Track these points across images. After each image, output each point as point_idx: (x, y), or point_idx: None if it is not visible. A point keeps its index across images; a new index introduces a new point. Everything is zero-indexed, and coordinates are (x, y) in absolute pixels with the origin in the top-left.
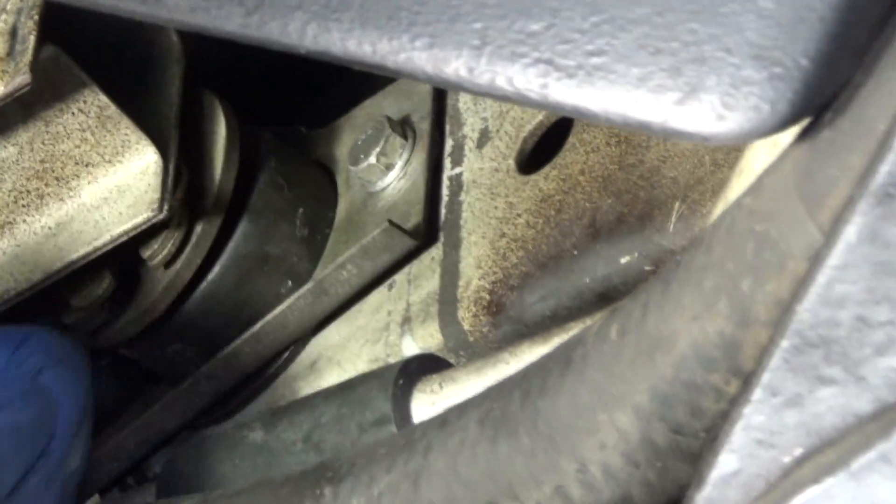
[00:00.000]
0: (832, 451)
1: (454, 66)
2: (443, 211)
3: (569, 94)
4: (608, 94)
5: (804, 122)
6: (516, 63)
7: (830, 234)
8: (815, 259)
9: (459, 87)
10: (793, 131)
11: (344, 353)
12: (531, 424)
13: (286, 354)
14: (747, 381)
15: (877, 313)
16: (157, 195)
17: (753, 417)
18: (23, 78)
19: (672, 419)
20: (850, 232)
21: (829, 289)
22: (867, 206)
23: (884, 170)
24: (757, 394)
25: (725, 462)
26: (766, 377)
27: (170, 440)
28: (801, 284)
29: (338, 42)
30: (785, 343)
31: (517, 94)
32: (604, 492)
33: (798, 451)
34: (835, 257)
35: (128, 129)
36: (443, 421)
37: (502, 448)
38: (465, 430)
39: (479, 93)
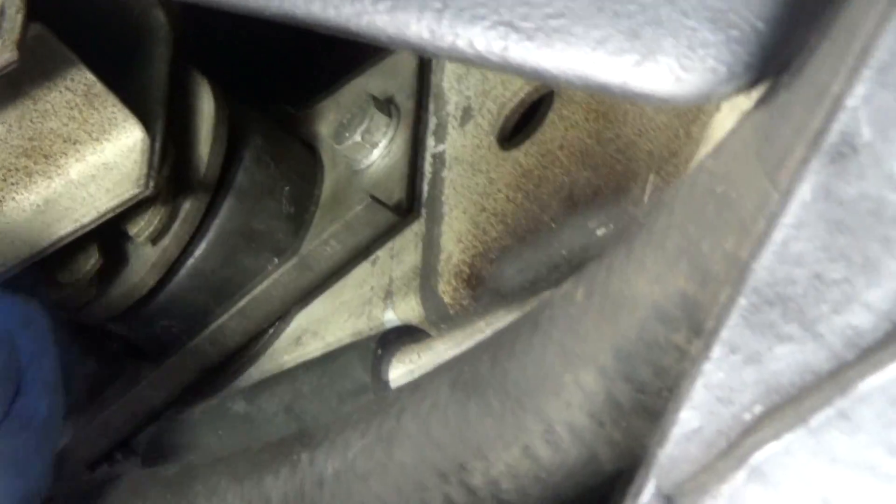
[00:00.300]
0: (791, 407)
1: (415, 28)
2: (426, 187)
3: (528, 55)
4: (567, 56)
5: (763, 86)
6: (477, 25)
7: (786, 193)
8: (772, 218)
9: (422, 51)
10: (753, 96)
11: (328, 328)
12: (500, 386)
13: (271, 330)
14: (707, 338)
15: (832, 271)
16: (143, 172)
17: (713, 374)
18: (10, 55)
19: (635, 378)
20: (804, 190)
21: (785, 247)
22: (820, 165)
23: (836, 128)
24: (716, 351)
25: (687, 419)
26: (724, 334)
27: (157, 417)
28: (758, 243)
29: (301, 5)
30: (743, 301)
31: (478, 56)
32: (570, 451)
33: (758, 408)
34: (790, 215)
35: (114, 107)
36: (415, 385)
37: (472, 410)
38: (436, 394)
39: (441, 55)
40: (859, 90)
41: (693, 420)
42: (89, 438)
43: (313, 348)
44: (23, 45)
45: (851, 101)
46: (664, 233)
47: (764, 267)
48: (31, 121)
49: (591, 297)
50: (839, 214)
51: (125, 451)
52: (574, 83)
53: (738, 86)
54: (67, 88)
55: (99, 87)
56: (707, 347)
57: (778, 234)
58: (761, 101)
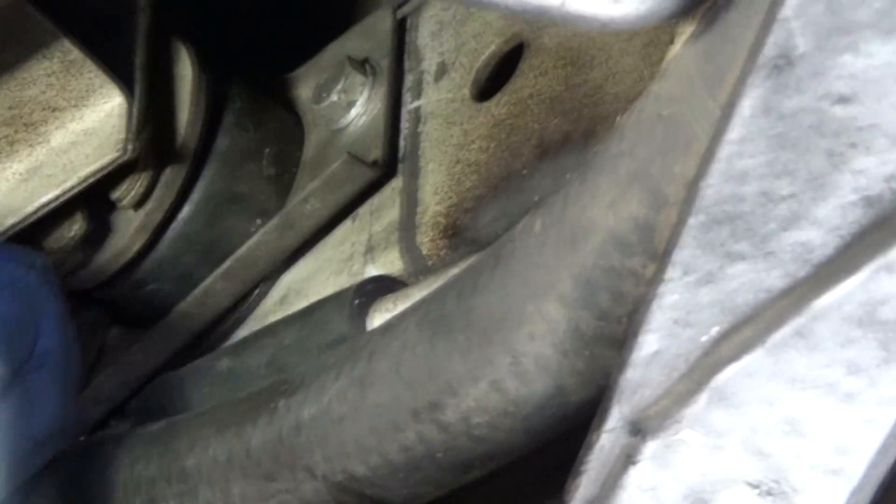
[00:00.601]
0: (748, 328)
1: None
2: (403, 143)
3: None
4: None
5: (703, 8)
6: None
7: (727, 109)
8: (716, 136)
9: None
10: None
11: (311, 286)
12: (465, 322)
13: (257, 291)
14: (661, 261)
15: (778, 187)
16: (123, 136)
17: (668, 296)
18: None
19: (595, 306)
20: (745, 106)
21: (730, 164)
22: (758, 79)
23: (771, 41)
24: (670, 272)
25: (645, 343)
26: (677, 255)
27: (149, 381)
28: (704, 162)
29: None
30: (692, 220)
31: None
32: (537, 383)
33: (715, 330)
34: (732, 131)
35: (91, 73)
36: (386, 327)
37: (440, 347)
38: (405, 333)
39: None
40: (792, 1)
41: (652, 343)
42: (83, 407)
43: (298, 307)
44: None
45: (784, 13)
46: (616, 159)
47: (711, 185)
48: (10, 90)
49: (549, 227)
50: (781, 129)
51: (118, 417)
52: (514, 9)
53: (676, 8)
54: (45, 57)
55: (76, 53)
56: (661, 269)
57: (722, 152)
58: (702, 24)
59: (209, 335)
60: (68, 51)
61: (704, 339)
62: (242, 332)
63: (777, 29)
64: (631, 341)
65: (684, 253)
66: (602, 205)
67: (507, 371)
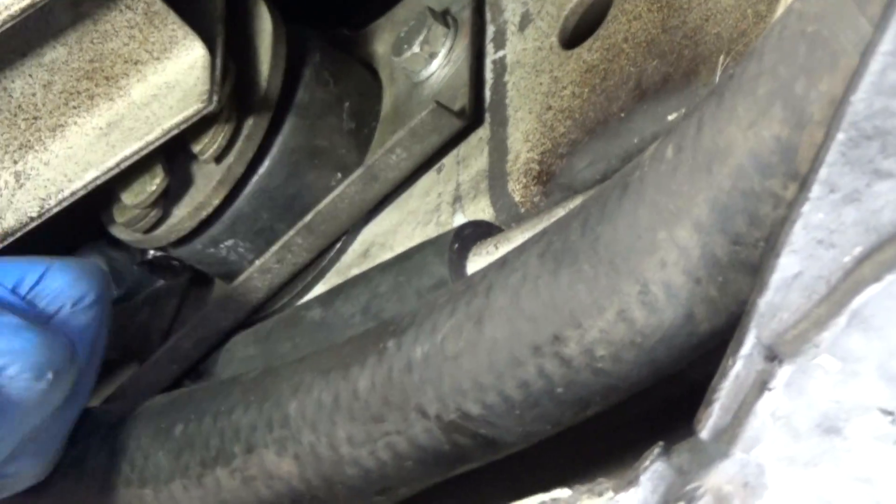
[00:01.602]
0: (891, 246)
1: None
2: (488, 93)
3: None
4: None
5: None
6: None
7: (880, 22)
8: (867, 50)
9: None
10: None
11: (396, 238)
12: (591, 251)
13: (338, 245)
14: (805, 181)
15: None
16: (205, 88)
17: (812, 216)
18: None
19: (731, 230)
20: None
21: (882, 77)
22: None
23: None
24: (815, 191)
25: (786, 264)
26: (823, 173)
27: (226, 339)
28: (854, 76)
29: None
30: (841, 136)
31: None
32: (666, 311)
33: (857, 250)
34: (887, 43)
35: (174, 25)
36: (503, 262)
37: (563, 278)
38: (525, 266)
39: None
40: None
41: (793, 265)
42: (160, 364)
43: (382, 259)
44: None
45: None
46: (755, 80)
47: (861, 100)
48: (92, 42)
49: (682, 152)
50: None
51: (194, 376)
52: None
53: None
54: (128, 7)
55: (159, 5)
56: (806, 188)
57: (875, 65)
58: None
59: (288, 289)
60: (151, 2)
61: (847, 259)
62: (323, 287)
63: None
64: (771, 263)
65: (831, 170)
66: (741, 126)
67: (635, 300)
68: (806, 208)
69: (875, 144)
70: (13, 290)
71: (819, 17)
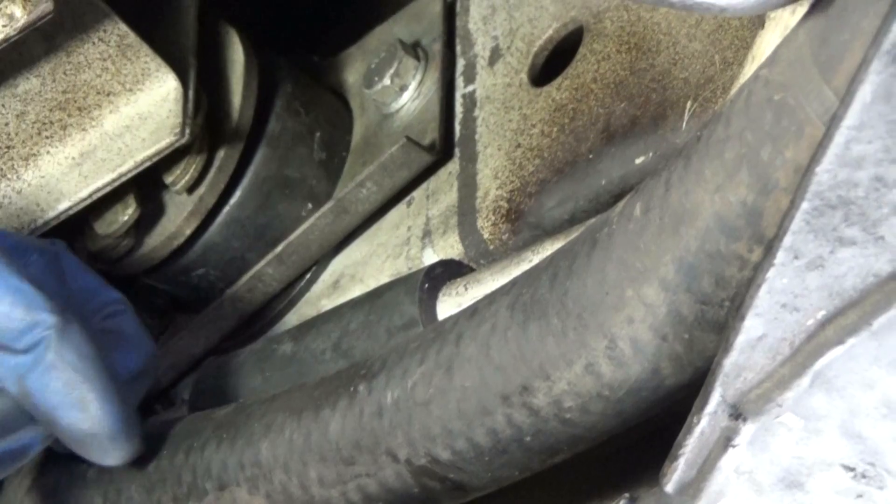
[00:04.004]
0: (854, 311)
1: None
2: (457, 127)
3: None
4: None
5: None
6: None
7: (846, 96)
8: (832, 121)
9: None
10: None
11: (366, 270)
12: (560, 305)
13: (308, 275)
14: (770, 246)
15: (894, 172)
16: (178, 120)
17: (777, 281)
18: (45, 6)
19: (698, 290)
20: (865, 91)
21: (846, 149)
22: (880, 66)
23: None
24: (780, 257)
25: (751, 326)
26: (788, 240)
27: (197, 365)
28: (820, 147)
29: None
30: (805, 205)
31: None
32: (633, 366)
33: (821, 314)
34: (851, 117)
35: (147, 57)
36: (473, 310)
37: (533, 330)
38: (495, 317)
39: None
40: None
41: (757, 327)
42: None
43: (352, 291)
44: None
45: None
46: (722, 144)
47: (826, 170)
48: (65, 73)
49: (650, 211)
50: None
51: (164, 401)
52: None
53: None
54: (101, 40)
55: (132, 37)
56: (771, 254)
57: (839, 137)
58: (814, 9)
59: (259, 318)
60: (124, 35)
61: (810, 322)
62: (293, 317)
63: None
64: (736, 325)
65: (795, 238)
66: (708, 189)
67: (602, 354)
68: (771, 273)
69: (838, 213)
70: None
71: (785, 85)
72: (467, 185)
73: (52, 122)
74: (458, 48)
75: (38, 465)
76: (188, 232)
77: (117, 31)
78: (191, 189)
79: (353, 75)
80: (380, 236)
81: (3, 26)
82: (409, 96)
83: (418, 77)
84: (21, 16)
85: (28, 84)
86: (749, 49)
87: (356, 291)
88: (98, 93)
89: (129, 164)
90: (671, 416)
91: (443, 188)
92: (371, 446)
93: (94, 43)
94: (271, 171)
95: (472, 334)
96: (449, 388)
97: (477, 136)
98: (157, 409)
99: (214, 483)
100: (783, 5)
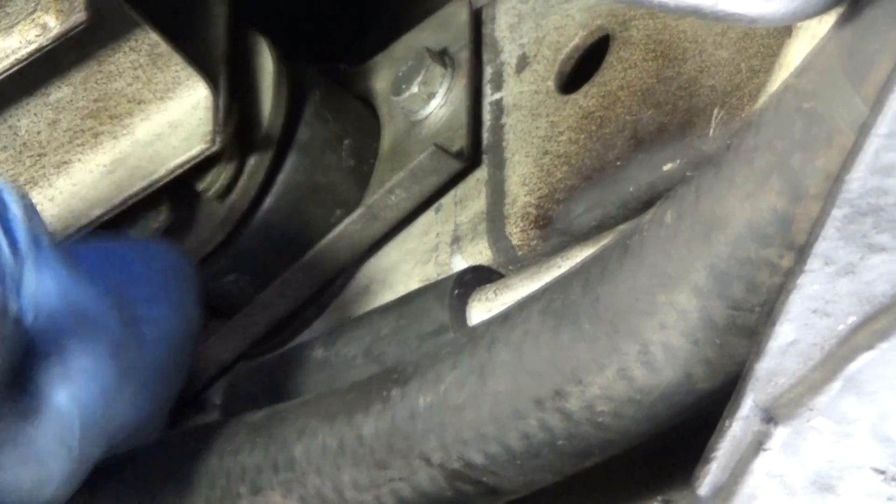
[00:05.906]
0: (884, 316)
1: None
2: (485, 134)
3: None
4: None
5: (845, 4)
6: None
7: (876, 104)
8: (862, 130)
9: None
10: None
11: (395, 276)
12: (592, 311)
13: (338, 281)
14: (801, 252)
15: None
16: (209, 128)
17: (809, 287)
18: (78, 16)
19: (729, 296)
20: (895, 100)
21: (876, 157)
22: None
23: None
24: (812, 263)
25: (783, 332)
26: (819, 247)
27: (227, 371)
28: (850, 155)
29: None
30: (836, 212)
31: None
32: (664, 371)
33: (852, 319)
34: (881, 126)
35: (178, 66)
36: (505, 316)
37: (565, 336)
38: (527, 322)
39: None
40: None
41: (789, 333)
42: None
43: (381, 296)
44: (91, 5)
45: None
46: (752, 152)
47: (856, 178)
48: (97, 82)
49: (682, 218)
50: None
51: (196, 406)
52: (668, 8)
53: (823, 4)
54: (132, 49)
55: (163, 46)
56: (802, 260)
57: (870, 145)
58: (843, 19)
59: (289, 324)
60: (156, 44)
61: (841, 328)
62: (323, 323)
63: None
64: (767, 331)
65: (826, 244)
66: (739, 196)
67: (634, 359)
68: (802, 280)
69: (869, 220)
70: None
71: (815, 94)
72: (496, 192)
73: (84, 131)
74: (485, 56)
75: None
76: (219, 238)
77: (148, 41)
78: (222, 196)
79: (380, 83)
80: (409, 242)
81: (37, 36)
82: (436, 104)
83: (446, 85)
84: (54, 25)
85: (60, 93)
86: (776, 57)
87: (385, 297)
88: (130, 101)
89: (161, 171)
90: (703, 421)
91: (471, 195)
92: (404, 450)
93: (125, 52)
94: (301, 178)
95: (504, 339)
96: (482, 392)
97: (505, 143)
98: (188, 414)
99: (248, 487)
100: (814, 16)
